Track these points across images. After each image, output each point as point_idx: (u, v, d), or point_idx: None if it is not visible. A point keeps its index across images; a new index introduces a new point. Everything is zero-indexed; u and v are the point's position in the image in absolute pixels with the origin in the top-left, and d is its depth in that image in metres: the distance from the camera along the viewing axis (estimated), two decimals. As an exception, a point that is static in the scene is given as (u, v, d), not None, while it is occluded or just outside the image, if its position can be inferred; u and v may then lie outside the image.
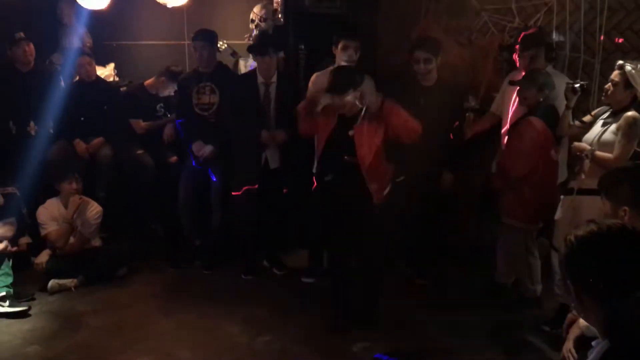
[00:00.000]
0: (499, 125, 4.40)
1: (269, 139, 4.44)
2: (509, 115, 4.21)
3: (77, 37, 5.49)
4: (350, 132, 3.68)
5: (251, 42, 4.84)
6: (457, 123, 4.40)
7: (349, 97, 3.59)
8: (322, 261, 4.63)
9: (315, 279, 4.56)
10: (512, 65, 4.49)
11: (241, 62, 5.16)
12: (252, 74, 4.60)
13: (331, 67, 4.45)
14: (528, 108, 3.89)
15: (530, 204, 3.89)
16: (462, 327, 3.90)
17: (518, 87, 3.93)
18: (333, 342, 3.72)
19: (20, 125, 5.09)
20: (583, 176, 3.56)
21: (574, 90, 3.67)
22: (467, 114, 4.55)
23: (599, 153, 3.47)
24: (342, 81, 3.62)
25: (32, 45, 5.12)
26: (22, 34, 5.10)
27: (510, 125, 4.02)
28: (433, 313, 4.11)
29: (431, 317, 4.04)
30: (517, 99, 4.00)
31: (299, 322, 3.97)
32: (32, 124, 5.07)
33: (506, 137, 4.05)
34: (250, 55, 4.72)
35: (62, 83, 5.22)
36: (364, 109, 3.63)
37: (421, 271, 4.62)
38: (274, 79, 4.50)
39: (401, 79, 4.52)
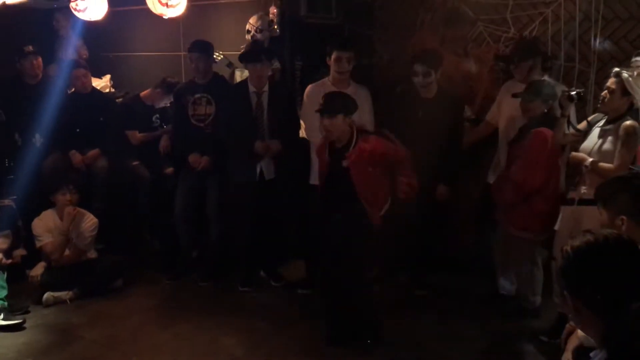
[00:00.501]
0: (495, 135, 4.40)
1: (263, 149, 4.43)
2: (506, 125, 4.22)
3: (73, 49, 5.49)
4: (344, 163, 3.64)
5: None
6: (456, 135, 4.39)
7: (339, 121, 3.58)
8: (319, 273, 4.60)
9: (312, 291, 4.54)
10: (507, 75, 4.50)
11: (237, 73, 5.16)
12: (243, 83, 4.59)
13: (325, 78, 4.47)
14: (530, 119, 3.89)
15: (543, 215, 3.86)
16: (461, 337, 3.88)
17: (521, 99, 3.92)
18: (331, 354, 3.68)
19: (26, 137, 5.12)
20: (584, 187, 3.56)
21: (570, 97, 3.68)
22: (463, 124, 4.55)
23: (601, 164, 3.47)
24: (333, 104, 3.61)
25: (40, 59, 5.22)
26: (31, 48, 5.16)
27: (516, 136, 4.00)
28: (432, 323, 4.09)
29: (430, 328, 4.02)
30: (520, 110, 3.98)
31: (296, 334, 3.94)
32: (37, 136, 5.08)
33: (512, 148, 4.02)
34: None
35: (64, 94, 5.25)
36: (355, 137, 3.63)
37: (420, 282, 4.59)
38: (266, 87, 4.49)
39: (400, 90, 4.52)
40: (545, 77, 4.19)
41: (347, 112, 3.60)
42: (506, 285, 4.29)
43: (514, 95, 4.00)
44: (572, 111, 3.90)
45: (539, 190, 3.83)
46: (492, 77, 4.80)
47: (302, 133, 4.55)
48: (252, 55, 4.45)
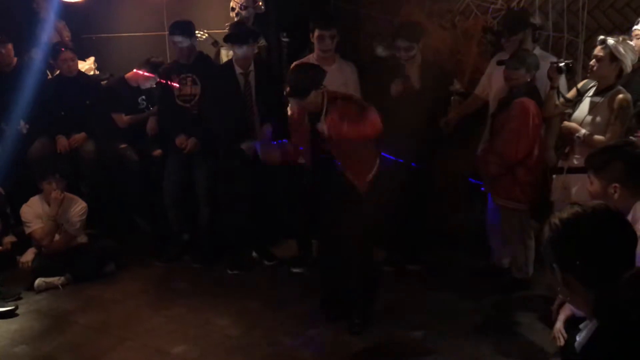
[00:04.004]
0: (484, 108, 4.38)
1: (248, 150, 4.36)
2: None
3: (55, 31, 5.39)
4: (320, 127, 3.57)
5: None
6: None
7: (312, 97, 3.50)
8: (311, 250, 4.61)
9: (305, 269, 4.54)
10: (496, 48, 4.46)
11: (223, 52, 5.09)
12: (229, 64, 4.53)
13: (310, 55, 4.41)
14: (512, 88, 3.87)
15: (526, 185, 3.89)
16: (453, 311, 3.91)
17: (505, 67, 3.89)
18: (325, 333, 3.70)
19: (10, 125, 5.04)
20: (575, 157, 3.58)
21: (559, 69, 3.68)
22: (452, 98, 4.52)
23: (595, 137, 3.50)
24: (302, 83, 3.51)
25: (9, 46, 5.09)
26: None
27: (498, 108, 3.99)
28: (424, 298, 4.11)
29: (422, 302, 4.04)
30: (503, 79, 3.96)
31: (290, 314, 3.95)
32: (22, 122, 5.01)
33: (495, 120, 4.01)
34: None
35: (50, 76, 5.15)
36: (326, 102, 3.54)
37: (412, 257, 4.60)
38: (252, 67, 4.44)
39: (384, 64, 4.48)
40: (537, 48, 4.16)
41: (317, 85, 3.51)
42: (499, 258, 4.31)
43: (499, 63, 3.98)
44: (561, 82, 3.89)
45: (522, 161, 3.84)
46: (480, 50, 4.77)
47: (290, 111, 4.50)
48: (237, 37, 4.38)
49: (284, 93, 3.91)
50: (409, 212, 4.48)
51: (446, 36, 4.88)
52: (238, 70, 4.43)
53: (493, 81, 4.28)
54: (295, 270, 4.58)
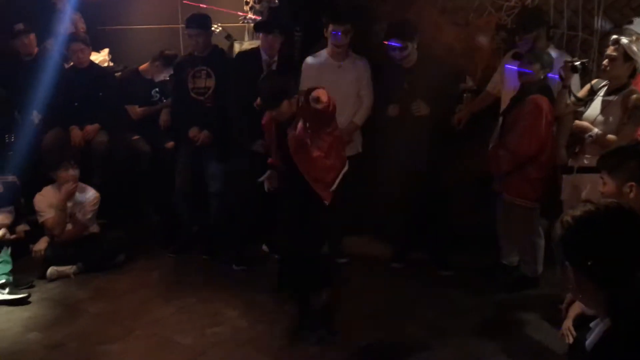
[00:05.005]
0: (496, 105, 4.37)
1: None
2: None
3: (70, 23, 5.43)
4: (289, 136, 3.45)
5: (247, 24, 4.80)
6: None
7: (285, 107, 3.38)
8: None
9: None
10: (509, 46, 4.45)
11: (236, 45, 5.11)
12: (255, 51, 4.54)
13: (324, 50, 4.42)
14: (524, 85, 3.86)
15: (537, 182, 3.88)
16: (460, 308, 3.92)
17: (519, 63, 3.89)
18: (335, 325, 3.69)
19: (25, 114, 5.11)
20: (586, 157, 3.57)
21: (574, 68, 3.66)
22: (464, 95, 4.52)
23: (609, 136, 3.48)
24: (273, 96, 3.37)
25: (32, 36, 5.16)
26: (22, 26, 5.10)
27: (510, 105, 3.98)
28: (432, 295, 4.11)
29: (428, 299, 4.05)
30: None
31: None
32: (35, 112, 5.07)
33: (507, 117, 4.00)
34: (245, 38, 4.68)
35: (65, 66, 5.21)
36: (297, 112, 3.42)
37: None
38: (275, 58, 4.46)
39: (383, 63, 4.47)
40: (550, 47, 4.14)
41: (288, 95, 3.38)
42: (509, 255, 4.31)
43: (514, 56, 3.96)
44: (575, 81, 3.88)
45: (533, 158, 3.84)
46: (493, 47, 4.75)
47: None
48: (267, 25, 4.44)
49: (255, 104, 3.81)
50: (428, 215, 4.45)
51: (459, 33, 4.87)
52: (264, 56, 4.43)
53: (505, 78, 4.27)
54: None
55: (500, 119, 4.18)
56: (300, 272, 3.60)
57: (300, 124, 3.40)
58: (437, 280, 4.34)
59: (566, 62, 3.75)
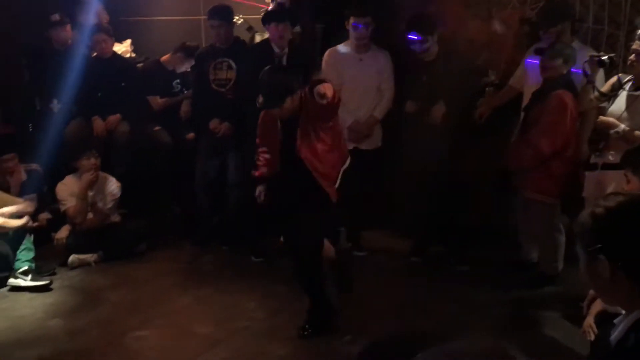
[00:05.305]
0: (518, 100, 4.33)
1: None
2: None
3: (93, 13, 5.48)
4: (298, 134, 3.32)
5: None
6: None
7: (288, 104, 3.23)
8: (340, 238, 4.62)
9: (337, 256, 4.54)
10: (532, 39, 4.39)
11: (257, 37, 5.11)
12: (265, 42, 4.53)
13: (345, 43, 4.40)
14: (547, 80, 3.81)
15: (558, 179, 3.84)
16: (478, 304, 3.89)
17: (541, 58, 3.83)
18: (350, 318, 3.70)
19: (45, 102, 5.16)
20: (611, 153, 3.51)
21: (601, 63, 3.60)
22: (487, 89, 4.48)
23: (636, 132, 3.42)
24: (275, 93, 3.21)
25: (68, 27, 5.22)
26: (57, 17, 5.15)
27: (533, 100, 3.93)
28: (449, 289, 4.09)
29: (446, 293, 4.03)
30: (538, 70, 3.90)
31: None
32: (55, 101, 5.11)
33: (530, 112, 3.95)
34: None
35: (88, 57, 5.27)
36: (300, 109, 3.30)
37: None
38: (286, 50, 4.44)
39: (399, 57, 4.45)
40: (575, 41, 4.08)
41: (292, 92, 3.22)
42: (528, 252, 4.27)
43: (537, 52, 3.91)
44: (599, 77, 3.82)
45: (558, 154, 3.79)
46: (516, 41, 4.70)
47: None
48: (277, 14, 4.41)
49: (257, 104, 3.62)
50: (447, 210, 4.43)
51: (482, 27, 4.82)
52: (275, 48, 4.42)
53: (528, 73, 4.22)
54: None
55: (522, 114, 4.14)
56: (307, 271, 3.51)
57: (303, 118, 3.29)
58: (456, 275, 4.32)
59: (592, 56, 3.69)
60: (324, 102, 3.12)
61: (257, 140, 3.62)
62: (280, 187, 3.56)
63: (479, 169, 4.52)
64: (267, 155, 3.55)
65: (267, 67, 3.38)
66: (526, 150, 3.88)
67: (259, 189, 3.64)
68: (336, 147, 3.44)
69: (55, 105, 5.16)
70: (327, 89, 3.12)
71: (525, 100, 4.14)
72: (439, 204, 4.41)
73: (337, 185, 3.43)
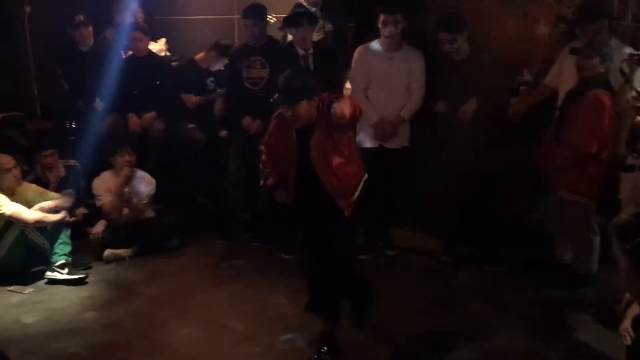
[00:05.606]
0: (553, 99, 4.27)
1: None
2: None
3: (129, 12, 5.58)
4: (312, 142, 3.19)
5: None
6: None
7: (304, 108, 3.10)
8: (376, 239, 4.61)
9: (368, 255, 4.55)
10: (568, 38, 4.32)
11: (290, 36, 5.14)
12: (289, 45, 4.58)
13: (376, 40, 4.39)
14: (583, 79, 3.75)
15: (595, 179, 3.78)
16: (510, 303, 3.86)
17: (577, 57, 3.77)
18: (378, 316, 3.68)
19: (88, 102, 5.30)
20: None
21: (639, 61, 3.52)
22: (521, 88, 4.42)
23: None
24: (293, 92, 3.10)
25: (90, 29, 5.35)
26: (82, 18, 5.26)
27: (568, 99, 3.87)
28: (480, 288, 4.08)
29: (478, 292, 4.01)
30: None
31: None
32: (97, 100, 5.24)
33: (565, 112, 3.89)
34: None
35: (123, 56, 5.36)
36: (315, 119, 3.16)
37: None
38: (311, 50, 4.48)
39: (430, 56, 4.42)
40: (613, 39, 4.01)
41: (310, 96, 3.10)
42: (562, 252, 4.21)
43: (572, 51, 3.85)
44: (638, 76, 3.74)
45: (596, 155, 3.73)
46: (552, 39, 4.63)
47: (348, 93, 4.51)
48: (293, 19, 4.45)
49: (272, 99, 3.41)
50: (479, 209, 4.40)
51: (517, 25, 4.76)
52: (300, 51, 4.46)
53: (565, 72, 4.16)
54: (361, 257, 4.50)
55: (557, 113, 4.08)
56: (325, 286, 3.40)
57: (319, 131, 3.18)
58: (487, 275, 4.28)
59: (631, 55, 3.62)
60: (341, 122, 3.02)
61: (261, 147, 3.54)
62: (297, 195, 3.46)
63: (513, 168, 4.48)
64: (271, 166, 3.49)
65: (288, 69, 3.32)
66: (562, 150, 3.82)
67: (278, 194, 3.55)
68: (354, 159, 3.32)
69: (99, 104, 5.27)
70: (344, 108, 2.98)
71: (561, 100, 4.09)
72: (470, 204, 4.38)
73: (355, 197, 3.29)
